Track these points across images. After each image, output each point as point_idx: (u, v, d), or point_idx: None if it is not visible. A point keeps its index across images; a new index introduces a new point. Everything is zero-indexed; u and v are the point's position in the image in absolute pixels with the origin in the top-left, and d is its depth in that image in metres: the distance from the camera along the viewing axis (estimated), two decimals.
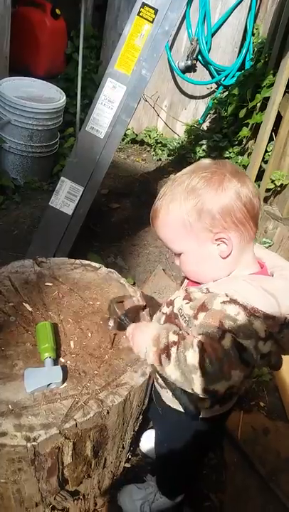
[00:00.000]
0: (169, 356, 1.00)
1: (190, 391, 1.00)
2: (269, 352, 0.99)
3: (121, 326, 1.30)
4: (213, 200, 1.00)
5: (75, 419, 1.16)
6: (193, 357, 0.95)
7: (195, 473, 1.68)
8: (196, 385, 0.96)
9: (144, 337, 1.10)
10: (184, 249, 1.09)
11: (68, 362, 1.32)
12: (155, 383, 1.35)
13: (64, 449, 1.18)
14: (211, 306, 0.99)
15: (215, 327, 0.95)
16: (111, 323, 1.33)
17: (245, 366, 0.95)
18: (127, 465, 1.70)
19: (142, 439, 1.81)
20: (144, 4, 2.04)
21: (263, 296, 0.98)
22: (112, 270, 1.73)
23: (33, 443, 1.10)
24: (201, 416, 1.19)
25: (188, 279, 1.19)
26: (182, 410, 1.12)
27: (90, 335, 1.43)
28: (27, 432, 1.11)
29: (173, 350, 1.00)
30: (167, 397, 1.28)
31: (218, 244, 1.04)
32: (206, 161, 1.09)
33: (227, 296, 0.98)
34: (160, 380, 1.26)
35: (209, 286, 1.06)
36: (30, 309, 1.48)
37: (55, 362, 1.29)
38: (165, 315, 1.20)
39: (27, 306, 1.49)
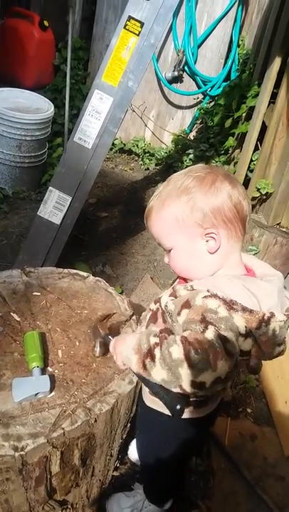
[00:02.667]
0: (153, 358, 1.01)
1: (177, 390, 1.01)
2: (249, 351, 1.02)
3: (106, 346, 1.33)
4: (205, 198, 1.06)
5: (63, 428, 1.17)
6: (178, 351, 0.97)
7: (181, 479, 1.69)
8: (184, 379, 0.97)
9: (124, 348, 1.13)
10: (174, 244, 1.13)
11: (56, 371, 1.33)
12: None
13: (52, 458, 1.19)
14: (193, 302, 1.03)
15: (198, 321, 0.98)
16: (97, 348, 1.38)
17: (230, 357, 0.97)
18: (116, 473, 1.71)
19: (130, 446, 1.81)
20: (130, 17, 2.08)
21: (243, 291, 1.02)
22: (100, 279, 1.75)
23: (21, 452, 1.11)
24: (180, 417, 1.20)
25: (179, 278, 1.23)
26: (162, 411, 1.14)
27: (77, 344, 1.44)
28: (15, 442, 1.12)
29: (156, 351, 1.02)
30: (147, 395, 1.30)
31: (207, 241, 1.09)
32: (199, 164, 1.16)
33: (208, 291, 1.02)
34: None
35: (194, 283, 1.09)
36: (18, 319, 1.49)
37: (43, 371, 1.30)
38: (151, 311, 1.24)
39: (15, 315, 1.50)
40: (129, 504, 1.63)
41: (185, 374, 0.96)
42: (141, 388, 1.39)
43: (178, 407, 1.05)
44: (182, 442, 1.35)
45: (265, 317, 1.01)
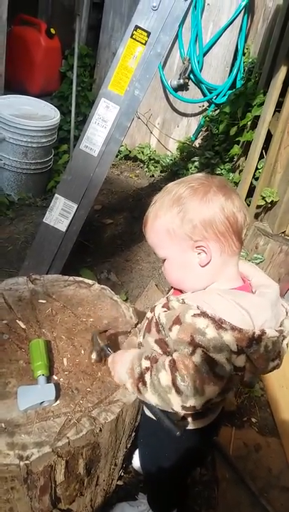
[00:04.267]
0: (144, 384, 1.05)
1: (171, 411, 1.04)
2: (243, 367, 1.01)
3: (104, 356, 1.36)
4: (196, 210, 1.05)
5: (68, 437, 1.17)
6: (165, 378, 0.99)
7: (184, 489, 1.68)
8: (174, 404, 1.00)
9: (121, 369, 1.17)
10: (167, 255, 1.14)
11: (61, 379, 1.33)
12: None
13: (57, 468, 1.18)
14: (183, 319, 1.02)
15: (186, 343, 0.99)
16: (94, 355, 1.38)
17: (219, 380, 0.97)
18: (120, 482, 1.70)
19: (134, 455, 1.81)
20: (137, 27, 2.09)
21: (233, 308, 1.01)
22: (105, 287, 1.75)
23: (26, 461, 1.10)
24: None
25: (173, 287, 1.23)
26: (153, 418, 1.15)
27: (83, 352, 1.44)
28: (20, 451, 1.12)
29: (147, 376, 1.05)
30: (147, 405, 1.29)
31: (199, 253, 1.08)
32: (198, 174, 1.14)
33: (198, 308, 1.01)
34: None
35: (186, 297, 1.08)
36: (23, 326, 1.49)
37: (48, 379, 1.30)
38: (147, 320, 1.23)
39: (20, 323, 1.50)
40: None
41: (174, 400, 0.99)
42: None
43: (178, 433, 1.08)
44: (183, 453, 1.34)
45: (256, 335, 1.00)
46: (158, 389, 1.01)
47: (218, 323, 0.98)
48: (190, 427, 1.24)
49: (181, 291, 1.18)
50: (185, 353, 0.98)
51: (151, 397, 1.04)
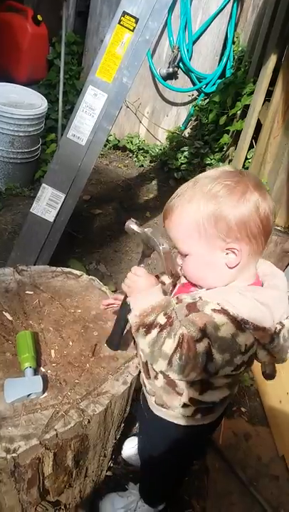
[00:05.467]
0: (147, 333, 1.00)
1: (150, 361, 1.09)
2: (242, 363, 1.03)
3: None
4: (233, 210, 1.00)
5: (56, 430, 1.15)
6: (170, 346, 0.97)
7: (180, 483, 1.68)
8: (157, 366, 1.02)
9: (138, 301, 1.06)
10: (191, 251, 1.08)
11: (49, 371, 1.31)
12: (143, 388, 1.36)
13: (45, 460, 1.17)
14: (202, 309, 1.01)
15: (198, 327, 0.97)
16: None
17: (205, 373, 1.00)
18: (109, 473, 1.70)
19: (124, 446, 1.81)
20: (125, 13, 2.05)
21: (256, 307, 1.00)
22: (94, 278, 1.73)
23: (13, 454, 1.09)
24: (184, 424, 1.22)
25: (186, 279, 1.17)
26: (169, 420, 1.19)
27: (70, 343, 1.42)
28: (7, 444, 1.10)
29: (154, 331, 0.99)
30: (153, 404, 1.29)
31: (227, 254, 1.04)
32: (231, 169, 1.08)
33: (219, 305, 0.99)
34: (148, 387, 1.29)
35: (202, 294, 1.06)
36: (10, 318, 1.47)
37: (36, 371, 1.28)
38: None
39: (7, 315, 1.47)
40: (123, 505, 1.62)
41: (161, 364, 1.00)
42: (143, 393, 1.38)
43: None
44: (187, 449, 1.36)
45: (277, 330, 1.03)
46: (155, 347, 0.99)
47: (240, 323, 0.97)
48: (198, 423, 1.24)
49: (192, 285, 1.15)
50: (194, 336, 0.96)
51: (143, 345, 1.02)
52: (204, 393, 1.15)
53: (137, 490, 1.64)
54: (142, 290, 1.08)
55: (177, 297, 1.12)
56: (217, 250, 1.04)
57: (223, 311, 0.98)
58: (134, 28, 2.06)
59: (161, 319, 1.00)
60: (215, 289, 1.07)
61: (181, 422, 1.24)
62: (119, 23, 2.05)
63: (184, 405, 1.19)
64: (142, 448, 1.57)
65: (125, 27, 2.06)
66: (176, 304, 1.08)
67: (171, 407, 1.22)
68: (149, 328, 1.00)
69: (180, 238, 1.09)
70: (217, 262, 1.06)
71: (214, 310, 0.99)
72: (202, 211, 1.02)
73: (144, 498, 1.61)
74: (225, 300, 1.00)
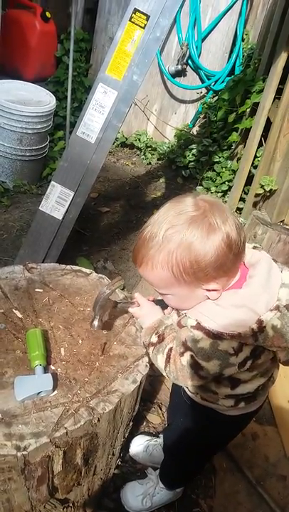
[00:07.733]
0: (149, 351, 1.24)
1: None
2: (245, 358, 1.06)
3: (123, 309, 1.43)
4: (204, 255, 0.99)
5: (66, 428, 1.15)
6: (161, 361, 1.17)
7: (202, 465, 1.69)
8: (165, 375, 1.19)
9: (146, 321, 1.30)
10: (172, 292, 1.11)
11: (59, 369, 1.31)
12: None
13: (54, 458, 1.17)
14: (185, 324, 1.11)
15: (180, 341, 1.09)
16: (95, 322, 1.35)
17: (203, 379, 1.09)
18: (117, 471, 1.70)
19: (131, 444, 1.81)
20: (136, 10, 2.04)
21: (231, 315, 1.03)
22: (103, 276, 1.73)
23: (24, 452, 1.09)
24: (228, 414, 1.27)
25: None
26: (214, 407, 1.27)
27: (80, 342, 1.42)
28: (17, 441, 1.10)
29: (150, 350, 1.22)
30: (196, 396, 1.32)
31: (208, 290, 1.06)
32: (181, 202, 1.04)
33: (196, 320, 1.06)
34: (190, 387, 1.32)
35: (186, 311, 1.15)
36: (20, 316, 1.47)
37: (46, 369, 1.28)
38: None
39: (17, 312, 1.48)
40: (142, 491, 1.67)
41: (164, 373, 1.19)
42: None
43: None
44: (226, 435, 1.43)
45: (255, 329, 1.01)
46: (155, 362, 1.21)
47: (216, 336, 1.01)
48: (242, 412, 1.28)
49: None
50: (178, 350, 1.10)
51: (151, 357, 1.23)
52: (236, 388, 1.18)
53: (156, 475, 1.69)
54: (142, 315, 1.32)
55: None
56: (198, 289, 1.07)
57: (199, 327, 1.04)
58: (145, 25, 2.05)
59: (154, 338, 1.21)
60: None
61: (226, 412, 1.28)
62: (130, 20, 2.05)
63: (225, 397, 1.22)
64: (173, 433, 1.56)
65: (136, 24, 2.05)
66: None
67: (214, 402, 1.25)
68: (148, 347, 1.24)
69: (156, 284, 1.11)
70: (199, 295, 1.09)
71: (192, 326, 1.06)
72: (174, 262, 1.01)
73: (165, 481, 1.65)
74: (200, 313, 1.06)
